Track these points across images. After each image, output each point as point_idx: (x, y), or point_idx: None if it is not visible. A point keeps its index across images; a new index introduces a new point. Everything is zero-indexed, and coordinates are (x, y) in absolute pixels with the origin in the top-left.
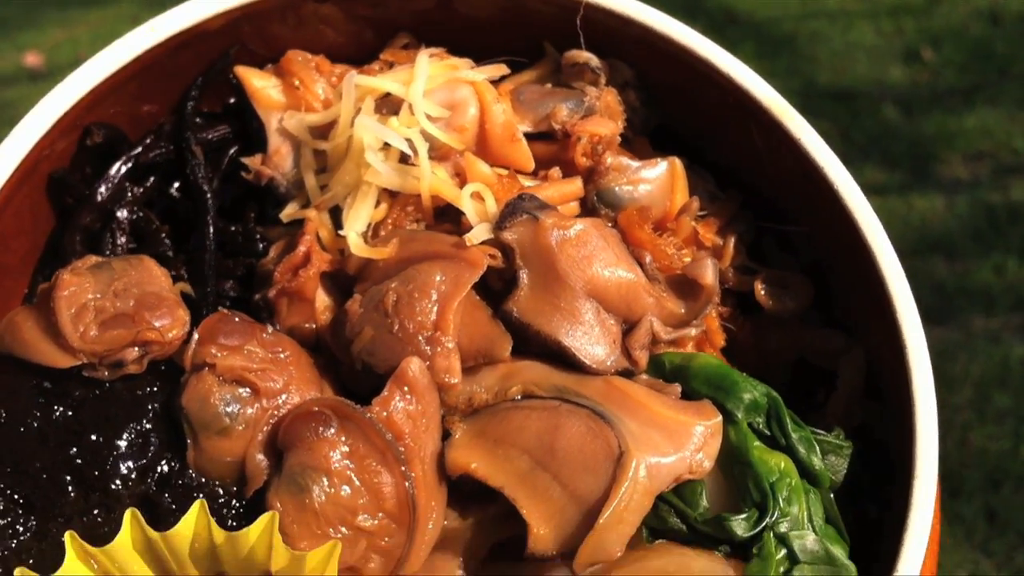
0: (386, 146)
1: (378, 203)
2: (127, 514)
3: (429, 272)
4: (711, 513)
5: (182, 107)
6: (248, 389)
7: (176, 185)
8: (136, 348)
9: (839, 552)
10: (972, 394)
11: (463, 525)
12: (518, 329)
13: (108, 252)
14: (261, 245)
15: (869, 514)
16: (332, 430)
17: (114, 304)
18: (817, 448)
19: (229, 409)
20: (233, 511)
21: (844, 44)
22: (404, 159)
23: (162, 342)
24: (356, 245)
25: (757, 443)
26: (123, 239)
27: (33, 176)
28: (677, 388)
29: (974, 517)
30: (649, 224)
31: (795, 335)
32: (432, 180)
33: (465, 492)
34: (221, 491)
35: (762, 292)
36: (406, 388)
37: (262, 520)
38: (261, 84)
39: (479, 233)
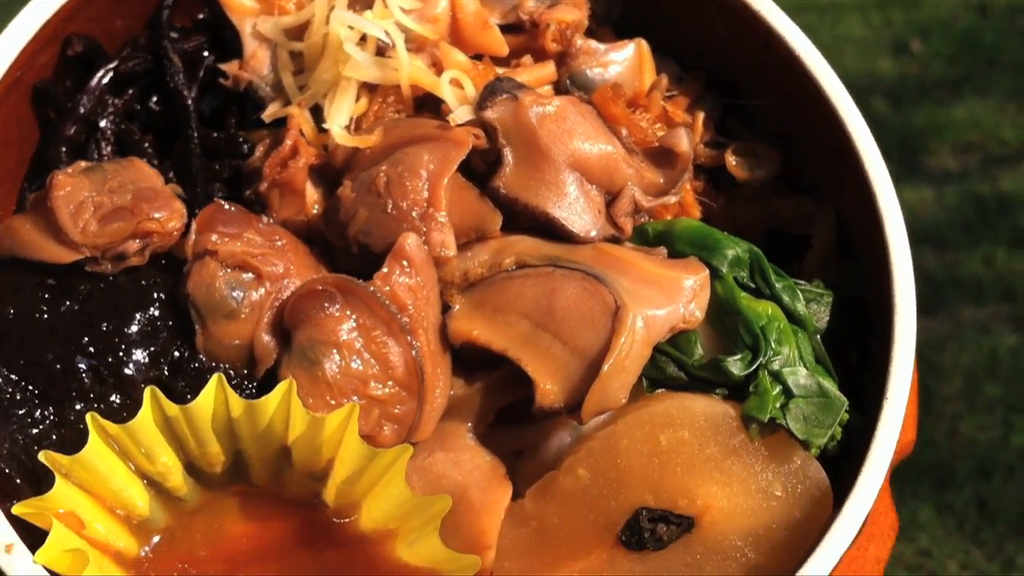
0: (362, 40)
1: (358, 98)
2: (147, 392)
3: (417, 153)
4: (706, 360)
5: (157, 17)
6: (251, 273)
7: (155, 99)
8: (137, 240)
9: (830, 385)
10: (962, 384)
11: (469, 392)
12: (506, 205)
13: (95, 161)
14: (245, 147)
15: (851, 361)
16: (337, 305)
17: (111, 200)
18: (800, 295)
19: (234, 293)
20: (245, 393)
21: (833, 37)
22: (381, 52)
23: (163, 232)
24: (341, 136)
25: (744, 294)
26: (108, 149)
27: (18, 87)
28: (663, 250)
29: (964, 507)
30: (623, 100)
31: (766, 205)
32: (411, 69)
33: (468, 364)
34: (232, 374)
35: (733, 163)
36: (405, 263)
37: (279, 388)
38: None
39: (462, 114)
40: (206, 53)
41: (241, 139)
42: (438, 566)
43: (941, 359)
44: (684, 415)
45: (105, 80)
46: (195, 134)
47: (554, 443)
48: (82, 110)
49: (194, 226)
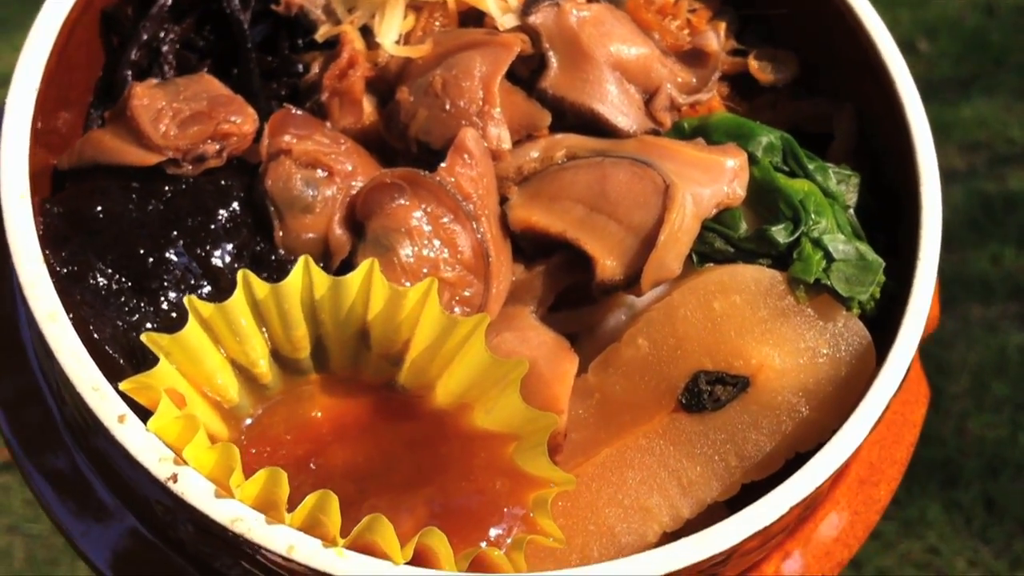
0: None
1: (405, 16)
2: (239, 274)
3: (469, 57)
4: (749, 232)
5: None
6: (323, 171)
7: (207, 29)
8: (215, 143)
9: (867, 250)
10: (970, 383)
11: (529, 276)
12: (553, 105)
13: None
14: (300, 67)
15: (879, 242)
16: (406, 196)
17: (189, 106)
18: (831, 175)
19: (309, 189)
20: None
21: None
22: None
23: (239, 134)
24: (394, 48)
25: (779, 175)
26: (170, 73)
27: (89, 11)
28: (701, 141)
29: (972, 505)
30: (653, 8)
31: (786, 107)
32: None
33: (526, 252)
34: None
35: (756, 66)
36: (465, 155)
37: (363, 266)
38: None
39: (508, 20)
40: None
41: (295, 60)
42: (517, 427)
43: (949, 357)
44: (735, 282)
45: (166, 7)
46: (253, 54)
47: (610, 321)
48: (145, 36)
49: (267, 129)
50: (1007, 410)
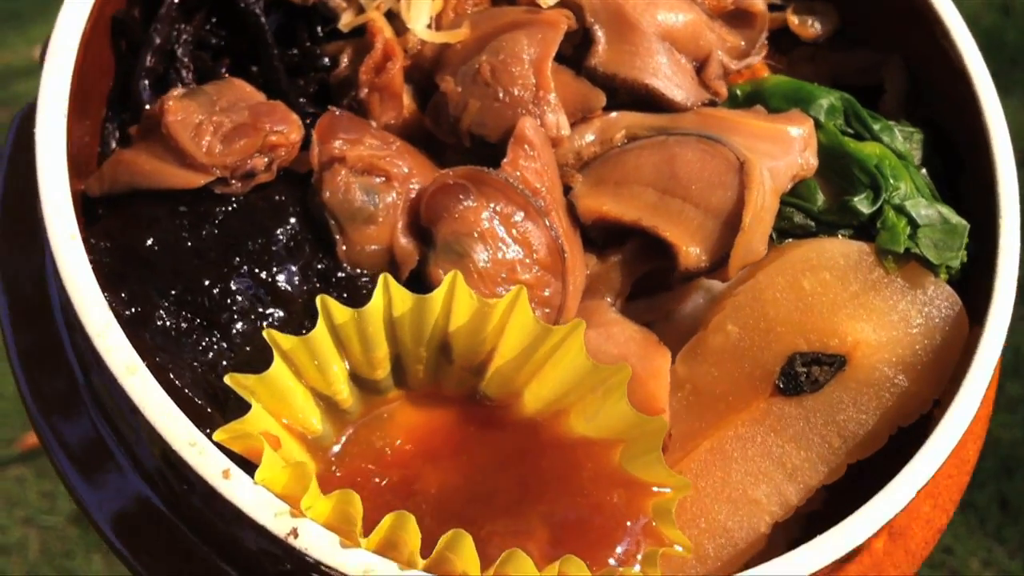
0: None
1: None
2: (319, 300)
3: (515, 39)
4: (828, 204)
5: None
6: (381, 176)
7: (213, 21)
8: (263, 156)
9: (949, 213)
10: None
11: (604, 268)
12: (604, 82)
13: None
14: (325, 59)
15: (944, 196)
16: (472, 197)
17: (229, 118)
18: (897, 134)
19: (370, 197)
20: None
21: None
22: None
23: (287, 145)
24: (428, 34)
25: (848, 139)
26: (189, 77)
27: (100, 21)
28: (760, 108)
29: (987, 505)
30: None
31: (828, 60)
32: None
33: (596, 242)
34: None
35: (795, 21)
36: (527, 147)
37: (447, 281)
38: None
39: None
40: None
41: (319, 52)
42: (623, 432)
43: None
44: (822, 257)
45: (175, 5)
46: (275, 51)
47: (688, 307)
48: (159, 39)
49: (315, 136)
50: (1021, 410)
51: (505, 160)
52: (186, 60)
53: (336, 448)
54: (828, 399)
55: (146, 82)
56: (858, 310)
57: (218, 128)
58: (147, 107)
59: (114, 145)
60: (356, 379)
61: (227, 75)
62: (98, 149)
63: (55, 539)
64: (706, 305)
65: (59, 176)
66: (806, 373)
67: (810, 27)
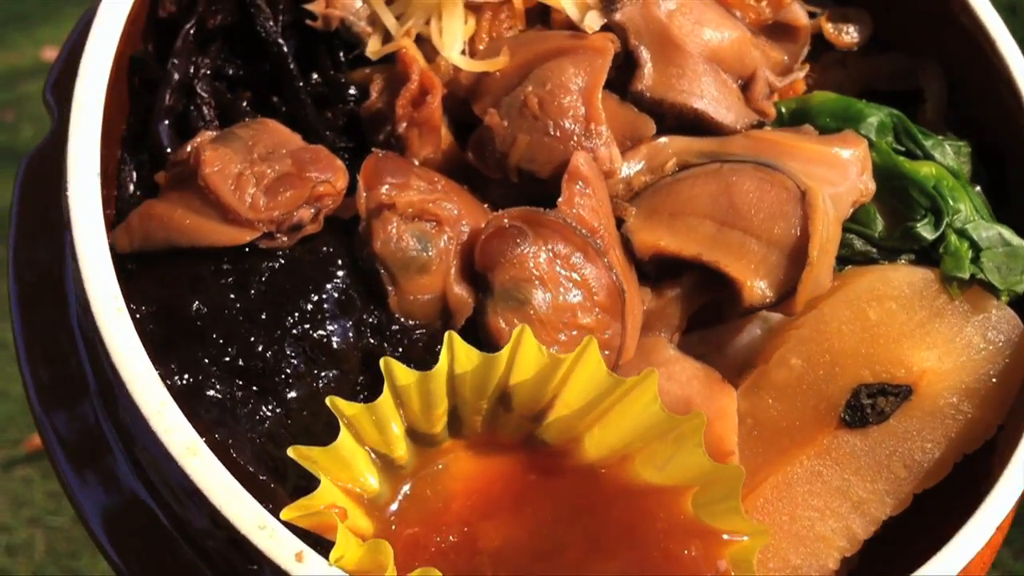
0: None
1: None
2: (383, 363)
3: (560, 68)
4: (888, 229)
5: None
6: (432, 221)
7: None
8: (309, 207)
9: (1009, 233)
10: None
11: (661, 303)
12: (650, 107)
13: (202, 128)
14: (353, 90)
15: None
16: (529, 239)
17: (271, 167)
18: (948, 150)
19: (423, 245)
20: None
21: None
22: None
23: (335, 193)
24: (465, 63)
25: (900, 158)
26: (210, 113)
27: (121, 60)
28: (808, 127)
29: None
30: None
31: (859, 65)
32: None
33: (649, 275)
34: (433, 330)
35: (831, 29)
36: (580, 183)
37: (515, 336)
38: None
39: (594, 20)
40: None
41: (345, 82)
42: (697, 480)
43: None
44: (888, 286)
45: (191, 39)
46: (300, 84)
47: (744, 338)
48: (177, 75)
49: (361, 181)
50: None
51: (561, 199)
52: (206, 95)
53: (394, 507)
54: (893, 429)
55: (166, 122)
56: (923, 338)
57: (260, 179)
58: (168, 150)
59: (131, 188)
60: (412, 434)
61: (247, 107)
62: (115, 192)
63: (61, 540)
64: (763, 336)
65: (99, 245)
66: (871, 404)
67: (845, 35)
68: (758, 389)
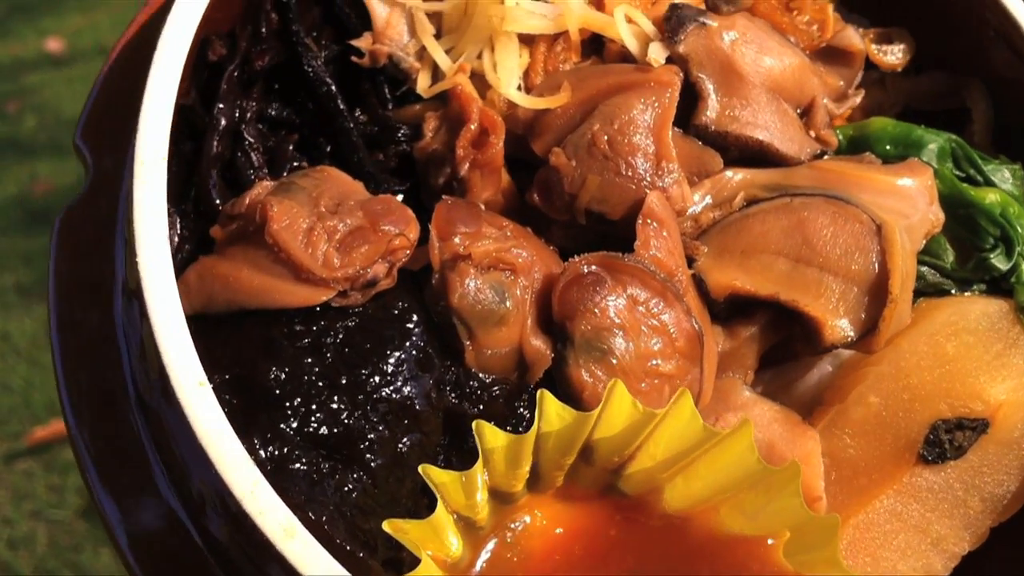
0: None
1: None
2: (475, 427)
3: (627, 104)
4: (959, 260)
5: None
6: (508, 270)
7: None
8: (383, 262)
9: None
10: None
11: (735, 344)
12: (714, 139)
13: (253, 177)
14: (403, 129)
15: None
16: (608, 286)
17: (342, 221)
18: (1007, 172)
19: (500, 296)
20: (523, 402)
21: None
22: None
23: (409, 246)
24: (526, 99)
25: (964, 185)
26: (259, 159)
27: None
28: (870, 155)
29: None
30: (783, 8)
31: (900, 85)
32: (582, 12)
33: (720, 314)
34: (511, 384)
35: (875, 52)
36: (655, 224)
37: (608, 391)
38: None
39: (658, 52)
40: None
41: (395, 121)
42: (789, 529)
43: None
44: (965, 320)
45: (235, 82)
46: (352, 125)
47: (814, 375)
48: (224, 121)
49: (434, 232)
50: None
51: (637, 242)
52: (253, 141)
53: (476, 570)
54: (969, 463)
55: (214, 173)
56: (999, 370)
57: (332, 234)
58: (218, 202)
59: (176, 239)
60: (492, 492)
61: (293, 150)
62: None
63: (63, 533)
64: (835, 372)
65: (176, 317)
66: (950, 440)
67: (890, 56)
68: (835, 429)
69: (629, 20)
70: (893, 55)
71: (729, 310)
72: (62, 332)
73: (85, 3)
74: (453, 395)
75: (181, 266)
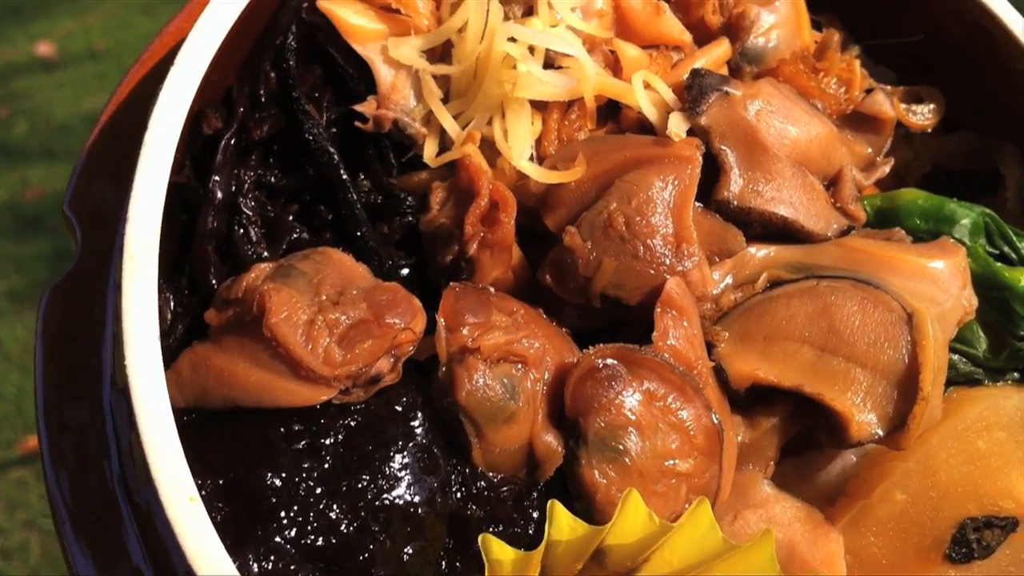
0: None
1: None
2: (481, 541)
3: (645, 181)
4: (993, 348)
5: (280, 60)
6: (518, 362)
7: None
8: (388, 357)
9: None
10: None
11: (755, 436)
12: (736, 215)
13: (251, 253)
14: (408, 200)
15: None
16: (622, 380)
17: (345, 312)
18: None
19: (510, 392)
20: (533, 502)
21: None
22: (549, 63)
23: (415, 339)
24: (539, 172)
25: (999, 265)
26: (257, 234)
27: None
28: (900, 232)
29: None
30: (808, 65)
31: (928, 144)
32: (598, 78)
33: (740, 402)
34: (519, 482)
35: (904, 112)
36: (674, 313)
37: (623, 501)
38: (356, 18)
39: (678, 125)
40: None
41: (400, 191)
42: None
43: None
44: (998, 415)
45: (231, 152)
46: (354, 197)
47: (837, 466)
48: (220, 195)
49: (441, 323)
50: None
51: (655, 333)
52: (251, 213)
53: None
54: (997, 562)
55: (210, 249)
56: None
57: (333, 327)
58: (213, 281)
59: (170, 317)
60: None
61: (293, 220)
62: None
63: (57, 543)
64: (859, 463)
65: (165, 424)
66: (977, 539)
67: (918, 117)
68: (859, 526)
69: (648, 86)
70: (922, 115)
71: (750, 397)
72: (49, 426)
73: (76, 7)
74: (459, 495)
75: (174, 347)
